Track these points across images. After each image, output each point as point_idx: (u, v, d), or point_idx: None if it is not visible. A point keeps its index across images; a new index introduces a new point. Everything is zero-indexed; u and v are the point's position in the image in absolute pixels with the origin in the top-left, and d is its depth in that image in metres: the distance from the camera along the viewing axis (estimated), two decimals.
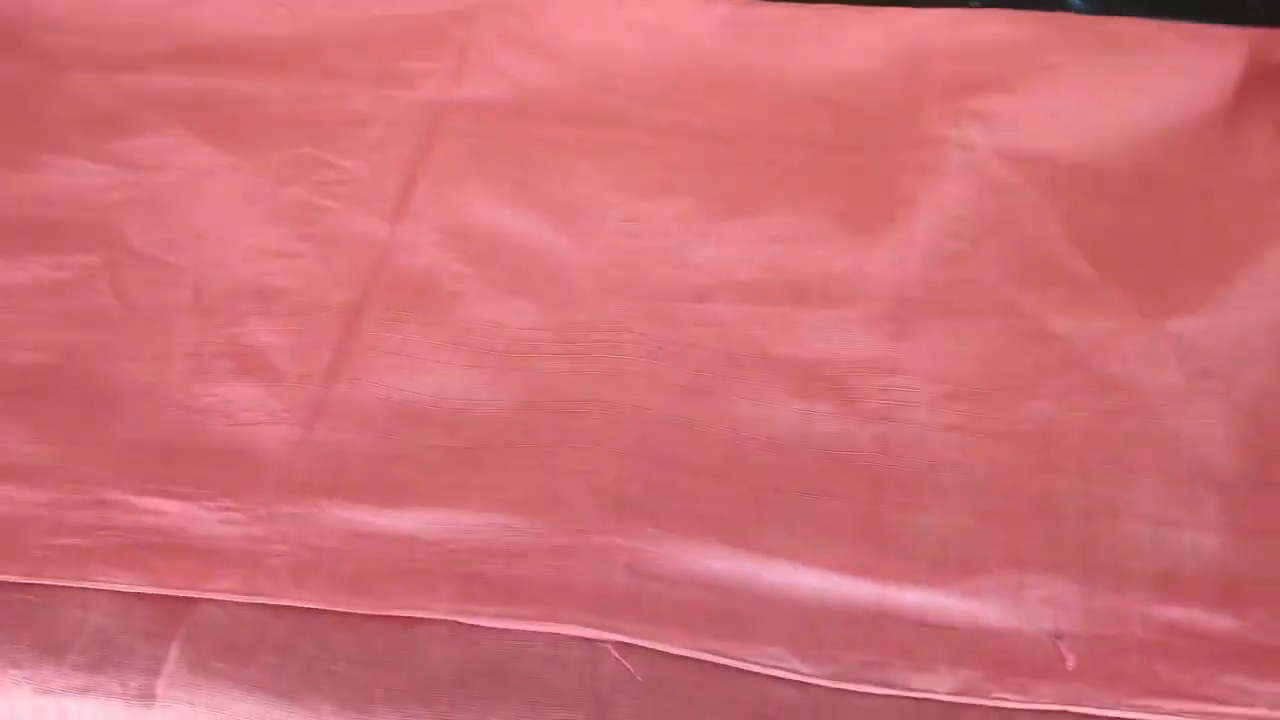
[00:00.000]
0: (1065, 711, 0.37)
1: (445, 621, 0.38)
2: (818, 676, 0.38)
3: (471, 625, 0.38)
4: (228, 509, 0.41)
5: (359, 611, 0.39)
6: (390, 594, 0.39)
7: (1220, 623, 0.38)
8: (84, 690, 0.37)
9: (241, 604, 0.39)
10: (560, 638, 0.38)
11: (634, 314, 0.48)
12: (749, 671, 0.38)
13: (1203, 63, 0.54)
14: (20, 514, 0.41)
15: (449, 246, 0.50)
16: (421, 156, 0.54)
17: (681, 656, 0.38)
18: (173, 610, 0.38)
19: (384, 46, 0.59)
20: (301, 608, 0.39)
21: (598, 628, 0.38)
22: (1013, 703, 0.37)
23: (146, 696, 0.37)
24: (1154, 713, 0.37)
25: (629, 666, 0.38)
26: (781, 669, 0.38)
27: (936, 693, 0.37)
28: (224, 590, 0.39)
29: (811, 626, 0.39)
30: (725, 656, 0.38)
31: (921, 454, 0.43)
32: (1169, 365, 0.45)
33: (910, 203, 0.51)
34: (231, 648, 0.37)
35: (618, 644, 0.38)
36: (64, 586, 0.39)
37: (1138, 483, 0.42)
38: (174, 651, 0.37)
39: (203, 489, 0.41)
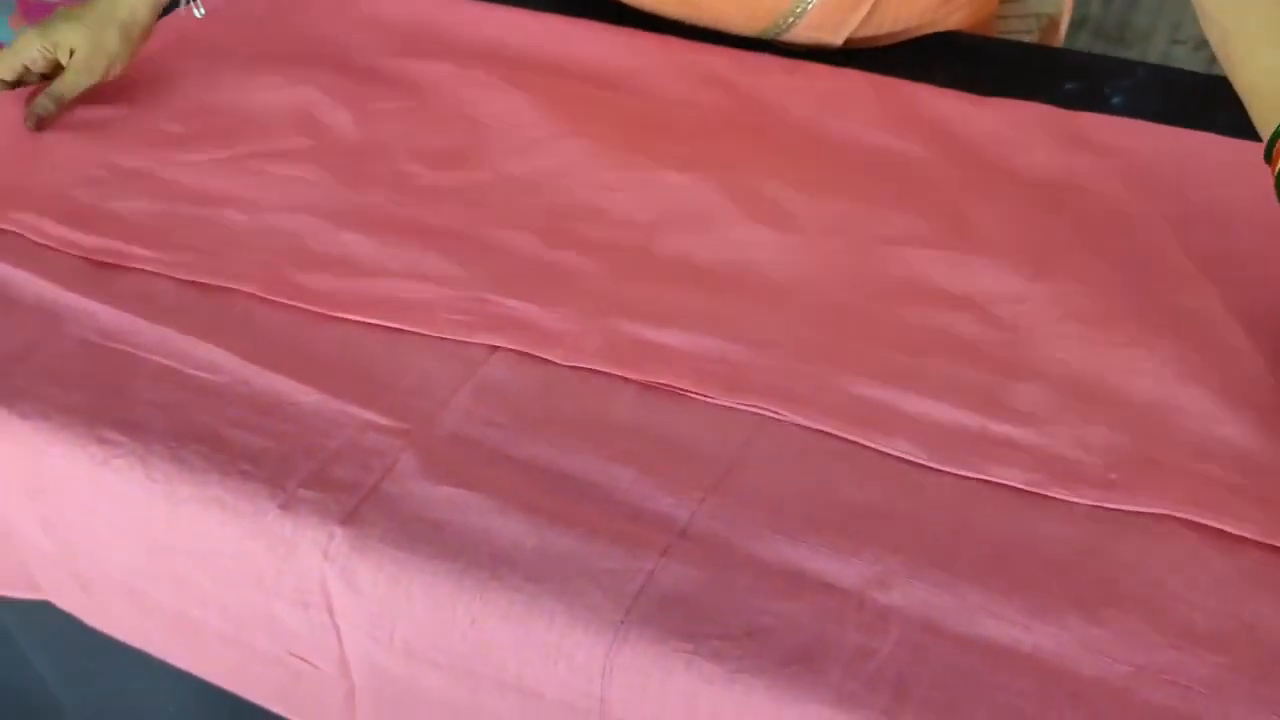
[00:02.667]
0: (1100, 506, 0.53)
1: (657, 389, 0.59)
2: (924, 458, 0.56)
3: (674, 395, 0.59)
4: (558, 312, 0.63)
5: (631, 378, 0.60)
6: (652, 370, 0.60)
7: (1235, 479, 0.54)
8: None
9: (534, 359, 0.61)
10: (725, 410, 0.58)
11: (846, 247, 0.69)
12: (881, 452, 0.56)
13: None
14: (430, 299, 0.65)
15: (719, 193, 0.73)
16: (709, 145, 0.77)
17: (834, 436, 0.57)
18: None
19: (690, 83, 0.84)
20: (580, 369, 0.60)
21: (780, 408, 0.58)
22: (1061, 495, 0.54)
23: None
24: (1172, 511, 0.53)
25: (796, 433, 0.57)
26: (903, 454, 0.56)
27: (1010, 481, 0.54)
28: (550, 354, 0.61)
29: (928, 432, 0.57)
30: (864, 439, 0.57)
31: (1037, 351, 0.61)
32: (1232, 324, 0.62)
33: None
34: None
35: (791, 421, 0.58)
36: (450, 339, 0.62)
37: (1190, 389, 0.59)
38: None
39: (543, 300, 0.64)
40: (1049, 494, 0.54)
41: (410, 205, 0.73)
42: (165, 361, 0.61)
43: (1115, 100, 0.83)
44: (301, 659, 0.59)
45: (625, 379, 0.60)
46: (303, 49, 0.90)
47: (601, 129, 0.78)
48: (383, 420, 0.58)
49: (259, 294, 0.66)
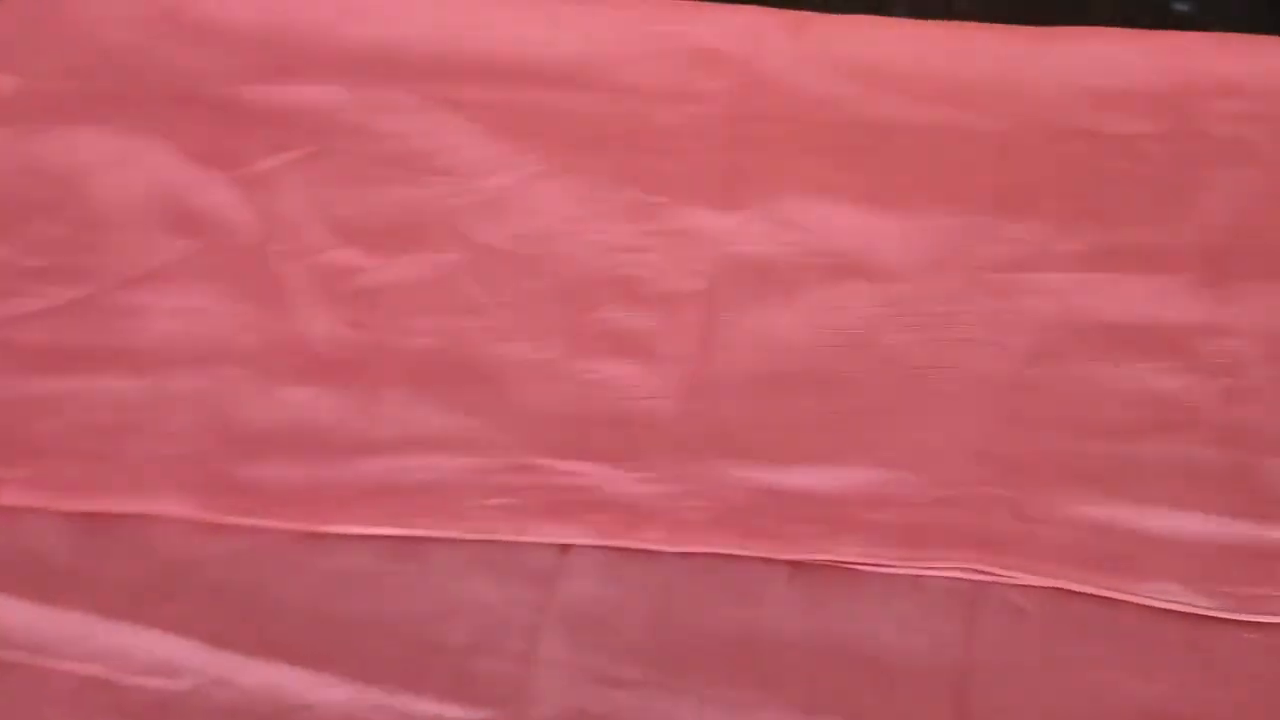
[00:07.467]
0: None
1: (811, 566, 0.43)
2: (1213, 609, 0.41)
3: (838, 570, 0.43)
4: (640, 470, 0.45)
5: (777, 557, 0.43)
6: (799, 540, 0.43)
7: None
8: None
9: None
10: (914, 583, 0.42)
11: (965, 286, 0.52)
12: (1142, 606, 0.41)
13: None
14: (451, 479, 0.46)
15: (775, 228, 0.55)
16: (734, 159, 0.58)
17: (1073, 593, 0.41)
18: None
19: (668, 64, 0.63)
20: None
21: (992, 565, 0.42)
22: None
23: None
24: None
25: (1024, 603, 0.41)
26: (1176, 602, 0.41)
27: None
28: (652, 540, 0.43)
29: (1197, 564, 0.42)
30: (1119, 591, 0.41)
31: (1264, 405, 0.47)
32: None
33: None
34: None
35: (1011, 582, 0.42)
36: (495, 541, 0.44)
37: None
38: None
39: (612, 454, 0.46)
40: None
41: (365, 323, 0.52)
42: (89, 670, 0.41)
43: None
44: None
45: (765, 560, 0.43)
46: (121, 70, 0.64)
47: (583, 156, 0.58)
48: (454, 712, 0.39)
49: (195, 516, 0.45)
